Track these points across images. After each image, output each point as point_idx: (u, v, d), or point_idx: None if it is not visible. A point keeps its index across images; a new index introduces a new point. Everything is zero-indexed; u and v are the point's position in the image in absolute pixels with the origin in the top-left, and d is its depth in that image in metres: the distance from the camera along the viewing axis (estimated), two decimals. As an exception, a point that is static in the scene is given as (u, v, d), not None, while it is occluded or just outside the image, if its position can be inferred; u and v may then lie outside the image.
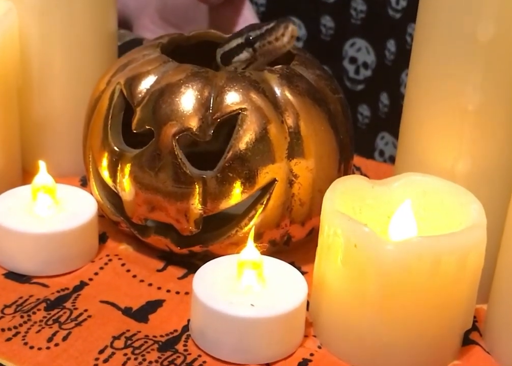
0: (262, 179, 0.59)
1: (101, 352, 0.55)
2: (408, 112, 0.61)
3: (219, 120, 0.59)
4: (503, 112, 0.57)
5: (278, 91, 0.60)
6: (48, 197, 0.62)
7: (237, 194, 0.59)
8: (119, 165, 0.61)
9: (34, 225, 0.61)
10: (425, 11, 0.58)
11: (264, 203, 0.60)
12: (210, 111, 0.59)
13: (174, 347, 0.56)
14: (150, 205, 0.60)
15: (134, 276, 0.62)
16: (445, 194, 0.57)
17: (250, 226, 0.60)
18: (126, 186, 0.61)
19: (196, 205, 0.59)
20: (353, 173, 0.71)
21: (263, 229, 0.60)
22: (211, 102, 0.59)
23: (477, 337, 0.59)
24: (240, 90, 0.59)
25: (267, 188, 0.60)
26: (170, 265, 0.64)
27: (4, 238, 0.61)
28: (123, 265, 0.63)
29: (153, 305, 0.60)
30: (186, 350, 0.56)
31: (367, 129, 0.95)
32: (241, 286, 0.55)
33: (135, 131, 0.61)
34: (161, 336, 0.57)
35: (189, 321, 0.58)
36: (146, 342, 0.56)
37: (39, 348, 0.55)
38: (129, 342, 0.56)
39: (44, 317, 0.57)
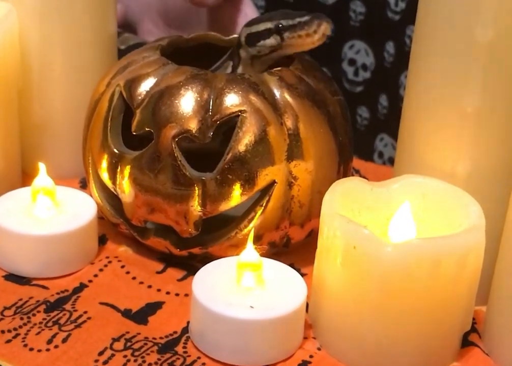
0: (262, 181, 0.59)
1: (101, 353, 0.55)
2: (407, 113, 0.61)
3: (218, 122, 0.59)
4: (502, 114, 0.57)
5: (277, 93, 0.60)
6: (47, 199, 0.62)
7: (236, 196, 0.59)
8: (119, 167, 0.61)
9: (34, 227, 0.61)
10: (424, 13, 0.58)
11: (263, 204, 0.60)
12: (210, 113, 0.59)
13: (173, 349, 0.56)
14: (150, 207, 0.60)
15: (134, 278, 0.62)
16: (444, 196, 0.57)
17: (250, 228, 0.60)
18: (126, 188, 0.61)
19: (195, 207, 0.59)
20: (353, 175, 0.71)
21: (263, 231, 0.61)
22: (210, 104, 0.59)
23: (476, 338, 0.59)
24: (240, 92, 0.59)
25: (266, 190, 0.60)
26: (169, 267, 0.64)
27: (4, 240, 0.61)
28: (122, 267, 0.63)
29: (153, 307, 0.60)
30: (185, 352, 0.56)
31: (366, 131, 0.96)
32: (240, 288, 0.55)
33: (134, 133, 0.61)
34: (161, 338, 0.57)
35: (188, 322, 0.58)
36: (145, 344, 0.56)
37: (39, 350, 0.55)
38: (129, 344, 0.56)
39: (44, 319, 0.57)
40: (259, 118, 0.59)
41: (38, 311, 0.58)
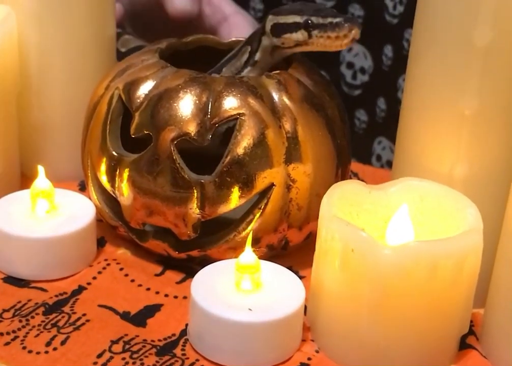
0: (260, 183, 0.59)
1: (99, 356, 0.55)
2: (405, 116, 0.62)
3: (217, 125, 0.59)
4: (500, 117, 0.57)
5: (275, 96, 0.60)
6: (46, 202, 0.62)
7: (235, 198, 0.59)
8: (118, 170, 0.61)
9: (33, 230, 0.61)
10: (422, 17, 0.59)
11: (262, 207, 0.60)
12: (209, 116, 0.59)
13: (172, 352, 0.56)
14: (149, 209, 0.60)
15: (132, 280, 0.62)
16: (442, 199, 0.58)
17: (248, 231, 0.60)
18: (124, 191, 0.61)
19: (194, 209, 0.59)
20: (351, 178, 0.72)
21: (261, 234, 0.61)
22: (209, 107, 0.59)
23: (473, 341, 0.59)
24: (238, 95, 0.59)
25: (265, 193, 0.60)
26: (168, 270, 0.64)
27: (3, 242, 0.61)
28: (121, 269, 0.63)
29: (152, 310, 0.60)
30: (183, 354, 0.56)
31: (364, 134, 0.96)
32: (239, 291, 0.55)
33: (133, 136, 0.61)
34: (159, 340, 0.57)
35: (187, 325, 0.58)
36: (144, 346, 0.56)
37: (38, 353, 0.55)
38: (127, 346, 0.56)
39: (43, 321, 0.57)
40: (257, 121, 0.59)
41: (37, 314, 0.58)
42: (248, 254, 0.56)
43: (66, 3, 0.68)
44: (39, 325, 0.57)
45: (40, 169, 0.62)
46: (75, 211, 0.63)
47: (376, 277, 0.53)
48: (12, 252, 0.61)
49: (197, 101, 0.59)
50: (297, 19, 0.60)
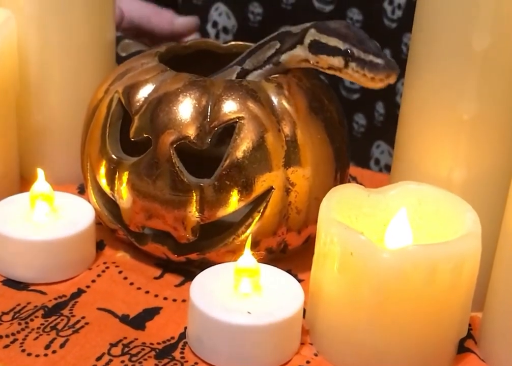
0: (259, 187, 0.59)
1: (98, 359, 0.55)
2: (404, 120, 0.62)
3: (216, 128, 0.59)
4: (499, 121, 0.57)
5: (275, 100, 0.61)
6: (45, 205, 0.62)
7: (234, 202, 0.59)
8: (117, 173, 0.61)
9: (32, 233, 0.61)
10: (420, 21, 0.59)
11: (261, 211, 0.60)
12: (208, 120, 0.59)
13: (171, 355, 0.56)
14: (148, 212, 0.61)
15: (131, 283, 0.63)
16: (441, 203, 0.58)
17: (247, 234, 0.60)
18: (124, 194, 0.61)
19: (193, 212, 0.59)
20: (349, 182, 0.72)
21: (260, 237, 0.61)
22: (208, 111, 0.59)
23: (472, 345, 0.59)
24: (238, 99, 0.60)
25: (264, 196, 0.60)
26: (167, 273, 0.64)
27: (2, 245, 0.61)
28: (120, 272, 0.64)
29: (151, 313, 0.60)
30: (182, 357, 0.56)
31: (362, 138, 0.96)
32: (238, 294, 0.55)
33: (133, 139, 0.61)
34: (158, 343, 0.57)
35: (185, 328, 0.58)
36: (143, 349, 0.56)
37: (37, 355, 0.55)
38: (126, 349, 0.56)
39: (42, 324, 0.57)
40: (257, 124, 0.59)
41: (36, 317, 0.58)
42: (247, 258, 0.56)
43: (66, 7, 0.69)
44: (38, 328, 0.57)
45: (40, 172, 0.63)
46: (74, 214, 0.63)
47: (375, 281, 0.53)
48: (11, 255, 0.61)
49: (197, 105, 0.59)
50: (340, 45, 0.58)
